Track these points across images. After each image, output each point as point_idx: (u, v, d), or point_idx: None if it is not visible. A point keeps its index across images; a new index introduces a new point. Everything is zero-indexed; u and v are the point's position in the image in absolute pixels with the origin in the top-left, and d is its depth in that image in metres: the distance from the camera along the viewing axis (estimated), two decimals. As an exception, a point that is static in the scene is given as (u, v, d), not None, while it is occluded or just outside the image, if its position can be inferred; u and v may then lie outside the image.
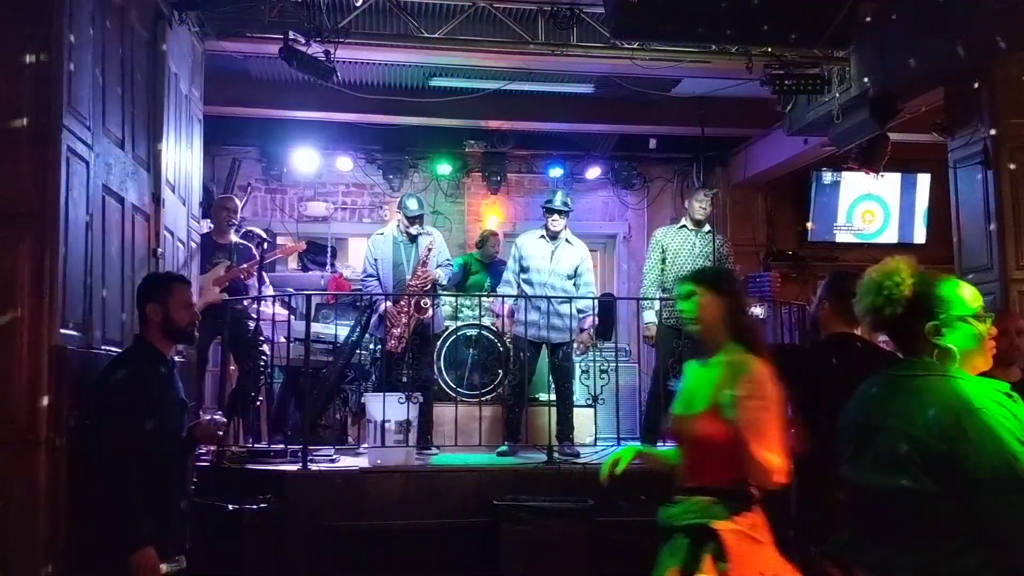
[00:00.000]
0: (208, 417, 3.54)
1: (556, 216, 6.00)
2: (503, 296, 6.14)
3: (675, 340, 5.84)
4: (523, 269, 6.01)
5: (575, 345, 6.01)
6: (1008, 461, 1.80)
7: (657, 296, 6.04)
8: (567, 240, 6.09)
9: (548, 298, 5.81)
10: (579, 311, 5.95)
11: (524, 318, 5.79)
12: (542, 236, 6.08)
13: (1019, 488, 1.80)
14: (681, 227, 6.26)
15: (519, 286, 6.01)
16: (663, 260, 6.16)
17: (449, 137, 8.70)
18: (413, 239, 6.03)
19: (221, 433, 3.62)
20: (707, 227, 6.26)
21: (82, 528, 3.24)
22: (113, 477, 3.09)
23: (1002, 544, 1.82)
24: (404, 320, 5.84)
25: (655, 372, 6.06)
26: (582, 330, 6.01)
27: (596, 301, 6.22)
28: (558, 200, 6.07)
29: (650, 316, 6.04)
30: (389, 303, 5.88)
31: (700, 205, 6.23)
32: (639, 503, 4.98)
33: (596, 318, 6.21)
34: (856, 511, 2.09)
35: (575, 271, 6.02)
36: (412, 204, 6.07)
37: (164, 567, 3.12)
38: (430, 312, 5.87)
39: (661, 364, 5.85)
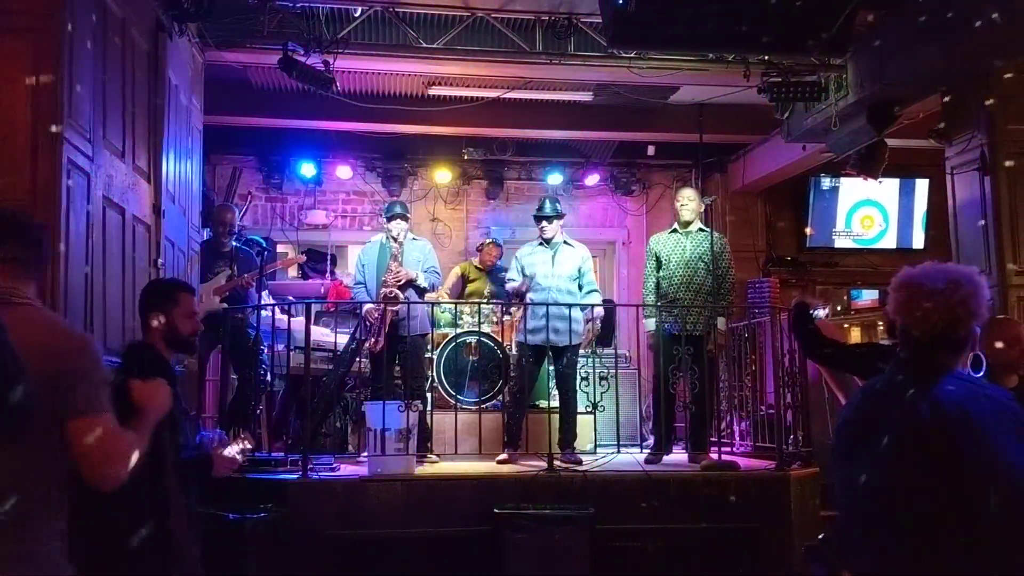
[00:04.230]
0: (232, 451, 3.39)
1: (544, 223, 6.05)
2: (502, 304, 6.19)
3: (675, 347, 5.83)
4: (527, 278, 6.03)
5: (581, 334, 6.01)
6: (1009, 463, 1.84)
7: (656, 303, 6.05)
8: (566, 242, 6.13)
9: (555, 304, 5.80)
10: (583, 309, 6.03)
11: (528, 325, 5.81)
12: (540, 244, 6.12)
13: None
14: (672, 231, 6.17)
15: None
16: (658, 267, 6.10)
17: (448, 145, 8.73)
18: (395, 240, 6.07)
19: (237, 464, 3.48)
20: (698, 226, 6.13)
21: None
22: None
23: (1005, 546, 1.84)
24: (376, 315, 5.88)
25: (655, 379, 6.06)
26: (588, 320, 6.06)
27: (599, 306, 6.25)
28: (547, 207, 6.12)
29: (651, 324, 6.03)
30: (369, 305, 5.95)
31: (682, 204, 6.13)
32: (640, 511, 5.01)
33: (599, 321, 6.27)
34: (850, 510, 2.11)
35: (578, 272, 6.05)
36: (392, 206, 6.30)
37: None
38: (399, 304, 5.88)
39: (661, 370, 5.85)
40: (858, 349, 4.56)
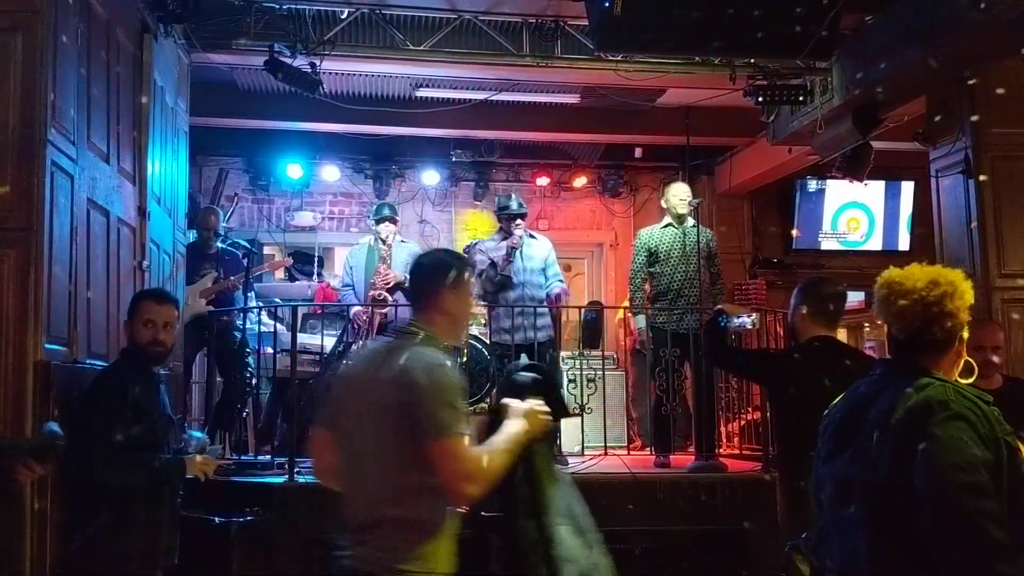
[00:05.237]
0: (200, 458, 3.40)
1: (519, 220, 5.91)
2: (488, 306, 6.15)
3: (663, 347, 5.78)
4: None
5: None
6: (964, 460, 1.84)
7: (647, 301, 6.01)
8: (530, 235, 6.04)
9: (531, 300, 5.78)
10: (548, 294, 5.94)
11: (507, 324, 5.76)
12: (504, 240, 5.95)
13: (967, 488, 1.82)
14: (666, 226, 6.03)
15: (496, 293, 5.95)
16: (653, 263, 5.95)
17: (436, 147, 8.72)
18: (383, 242, 6.04)
19: (211, 469, 3.45)
20: (691, 222, 6.00)
21: (70, 545, 3.22)
22: (106, 472, 3.09)
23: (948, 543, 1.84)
24: (364, 318, 5.87)
25: (637, 381, 6.04)
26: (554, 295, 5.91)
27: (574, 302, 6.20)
28: (515, 204, 5.98)
29: (642, 322, 5.94)
30: (358, 308, 5.91)
31: (680, 199, 5.95)
32: (627, 513, 5.02)
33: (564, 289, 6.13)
34: (827, 509, 2.12)
35: (545, 262, 5.98)
36: (380, 208, 6.28)
37: None
38: (387, 307, 5.87)
39: (649, 369, 5.81)
40: (750, 355, 4.73)
